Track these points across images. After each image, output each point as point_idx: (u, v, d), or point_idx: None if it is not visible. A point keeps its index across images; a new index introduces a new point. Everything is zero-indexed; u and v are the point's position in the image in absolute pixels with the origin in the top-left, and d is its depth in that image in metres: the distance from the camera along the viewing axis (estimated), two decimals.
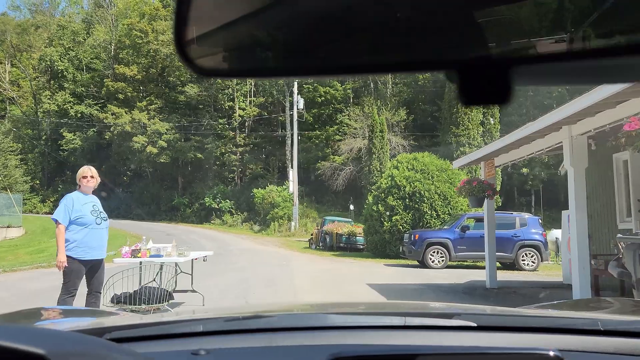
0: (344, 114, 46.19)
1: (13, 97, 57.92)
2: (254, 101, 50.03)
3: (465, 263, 18.40)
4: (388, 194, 20.92)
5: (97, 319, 1.89)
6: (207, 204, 45.95)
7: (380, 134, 32.97)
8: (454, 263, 17.78)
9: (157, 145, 44.70)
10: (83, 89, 52.43)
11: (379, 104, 38.49)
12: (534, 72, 0.65)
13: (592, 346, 1.27)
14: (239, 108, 49.02)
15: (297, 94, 39.96)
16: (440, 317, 1.57)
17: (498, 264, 18.06)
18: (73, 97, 52.43)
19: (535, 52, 0.64)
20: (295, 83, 41.21)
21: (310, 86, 46.58)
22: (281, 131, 46.82)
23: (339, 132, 45.33)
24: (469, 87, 0.60)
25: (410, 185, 20.44)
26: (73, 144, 52.01)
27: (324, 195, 46.80)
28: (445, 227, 17.96)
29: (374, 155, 32.78)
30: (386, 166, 32.35)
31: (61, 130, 52.55)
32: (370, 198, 24.08)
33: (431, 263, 17.08)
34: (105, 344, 0.98)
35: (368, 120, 39.84)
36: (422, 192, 20.13)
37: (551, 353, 1.09)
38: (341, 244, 25.64)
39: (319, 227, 28.24)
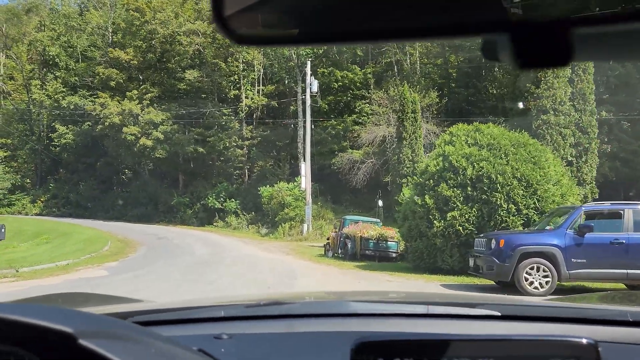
0: (364, 101, 39.25)
1: (9, 92, 51.82)
2: (263, 90, 43.27)
3: (568, 284, 11.21)
4: (439, 181, 13.92)
5: (122, 305, 1.80)
6: (209, 204, 39.22)
7: (413, 115, 25.99)
8: (563, 285, 10.67)
9: (152, 137, 38.00)
10: (76, 78, 46.05)
11: (405, 84, 31.47)
12: (593, 39, 0.59)
13: (622, 337, 1.19)
14: (246, 97, 42.28)
15: (311, 75, 33.09)
16: (463, 306, 1.42)
17: (622, 285, 10.95)
18: (66, 87, 46.08)
19: (596, 12, 0.58)
20: (308, 63, 34.41)
21: (326, 70, 39.74)
22: (292, 120, 39.91)
23: (359, 121, 38.41)
24: (525, 48, 0.56)
25: (474, 166, 13.43)
26: (65, 138, 45.62)
27: (341, 194, 39.83)
28: (547, 227, 10.86)
29: (404, 142, 25.77)
30: (419, 154, 25.48)
31: (53, 124, 46.23)
32: (406, 191, 17.15)
33: (527, 286, 10.01)
34: (130, 326, 0.98)
35: (394, 104, 32.82)
36: (492, 176, 13.08)
37: (584, 341, 1.02)
38: (367, 252, 18.68)
39: (338, 230, 21.30)
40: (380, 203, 23.20)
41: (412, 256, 14.90)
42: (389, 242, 18.69)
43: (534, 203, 12.87)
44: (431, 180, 14.23)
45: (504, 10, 0.58)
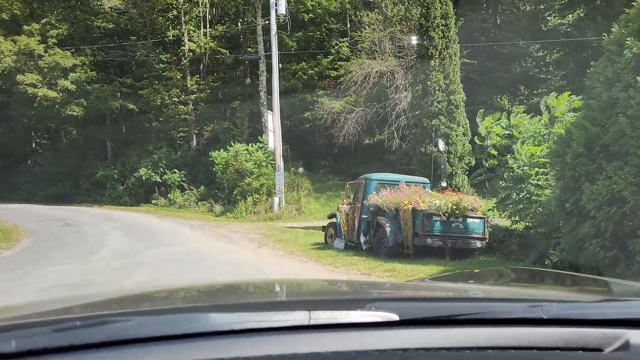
0: (342, 40, 29.28)
1: None
2: (211, 33, 32.44)
3: None
4: None
5: None
6: (144, 177, 28.54)
7: (443, 22, 16.36)
8: None
9: (58, 87, 26.71)
10: None
11: None
12: None
13: (539, 340, 0.95)
14: (189, 40, 31.36)
15: None
16: (353, 307, 1.08)
17: None
18: None
19: None
20: None
21: None
22: (252, 54, 29.44)
23: (336, 65, 28.46)
24: None
25: None
26: None
27: (317, 159, 29.99)
28: None
29: (432, 63, 16.01)
30: (456, 82, 16.13)
31: None
32: (488, 123, 7.51)
33: None
34: None
35: (394, 29, 22.98)
36: None
37: None
38: (429, 239, 8.85)
39: (355, 201, 11.36)
40: (441, 145, 13.28)
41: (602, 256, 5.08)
42: (469, 220, 8.99)
43: None
44: None
45: None
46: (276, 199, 22.59)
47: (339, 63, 28.37)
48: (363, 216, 10.68)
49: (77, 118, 29.45)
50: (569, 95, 9.46)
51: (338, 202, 25.93)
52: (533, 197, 9.09)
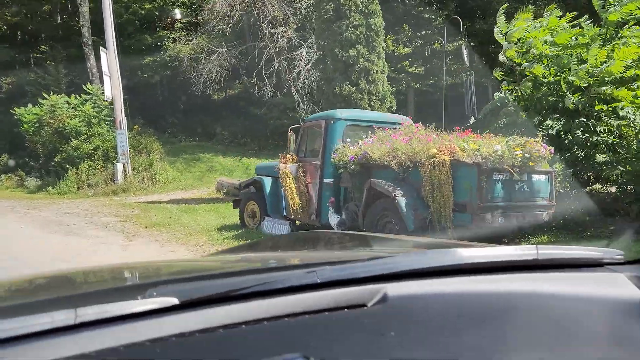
0: None
1: None
2: None
3: None
4: None
5: None
6: None
7: None
8: None
9: None
10: None
11: None
12: None
13: (312, 304, 0.93)
14: None
15: None
16: (129, 296, 0.91)
17: None
18: None
19: None
20: None
21: None
22: (59, 7, 22.04)
23: (179, 2, 22.68)
24: None
25: None
26: None
27: (162, 116, 24.02)
28: None
29: None
30: (374, 0, 12.52)
31: None
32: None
33: None
34: None
35: None
36: None
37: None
38: (490, 215, 4.81)
39: (308, 156, 6.75)
40: (466, 58, 8.86)
41: None
42: (534, 178, 5.22)
43: None
44: None
45: None
46: (119, 166, 16.70)
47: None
48: (326, 181, 6.30)
49: None
50: None
51: (200, 166, 20.75)
52: (596, 138, 5.71)
